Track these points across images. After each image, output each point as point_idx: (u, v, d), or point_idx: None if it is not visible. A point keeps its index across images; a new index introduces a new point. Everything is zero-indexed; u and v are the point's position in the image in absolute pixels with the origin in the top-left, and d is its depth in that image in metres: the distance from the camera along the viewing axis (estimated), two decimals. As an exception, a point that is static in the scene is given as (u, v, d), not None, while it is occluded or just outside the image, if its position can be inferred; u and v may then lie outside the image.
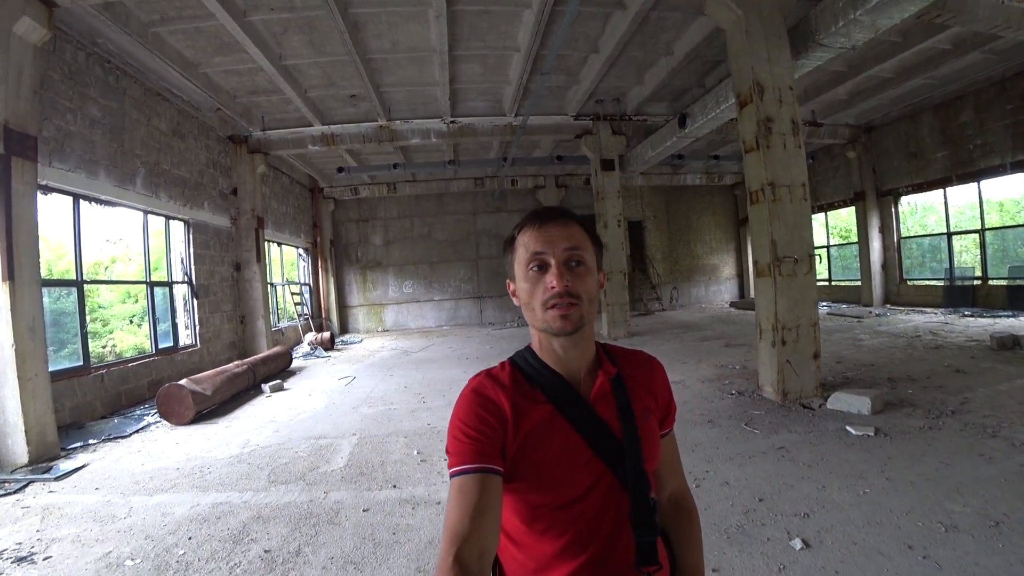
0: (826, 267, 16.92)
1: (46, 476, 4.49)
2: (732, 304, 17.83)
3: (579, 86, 9.88)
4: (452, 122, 10.69)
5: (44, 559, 3.09)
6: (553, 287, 1.01)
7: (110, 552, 3.11)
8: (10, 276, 4.89)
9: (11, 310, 4.86)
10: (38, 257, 5.28)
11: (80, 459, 4.96)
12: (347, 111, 10.26)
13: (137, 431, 5.87)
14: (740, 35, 5.40)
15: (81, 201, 6.70)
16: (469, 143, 12.70)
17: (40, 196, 6.18)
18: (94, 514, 3.67)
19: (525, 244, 1.07)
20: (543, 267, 1.04)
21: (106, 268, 16.09)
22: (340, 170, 12.72)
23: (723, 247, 19.85)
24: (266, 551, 3.00)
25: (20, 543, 3.31)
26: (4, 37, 5.00)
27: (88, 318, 13.62)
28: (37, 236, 5.29)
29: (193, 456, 4.87)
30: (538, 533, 1.03)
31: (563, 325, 1.02)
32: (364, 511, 3.41)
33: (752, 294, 18.81)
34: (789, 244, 5.32)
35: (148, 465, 4.71)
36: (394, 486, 3.77)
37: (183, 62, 7.74)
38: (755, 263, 5.71)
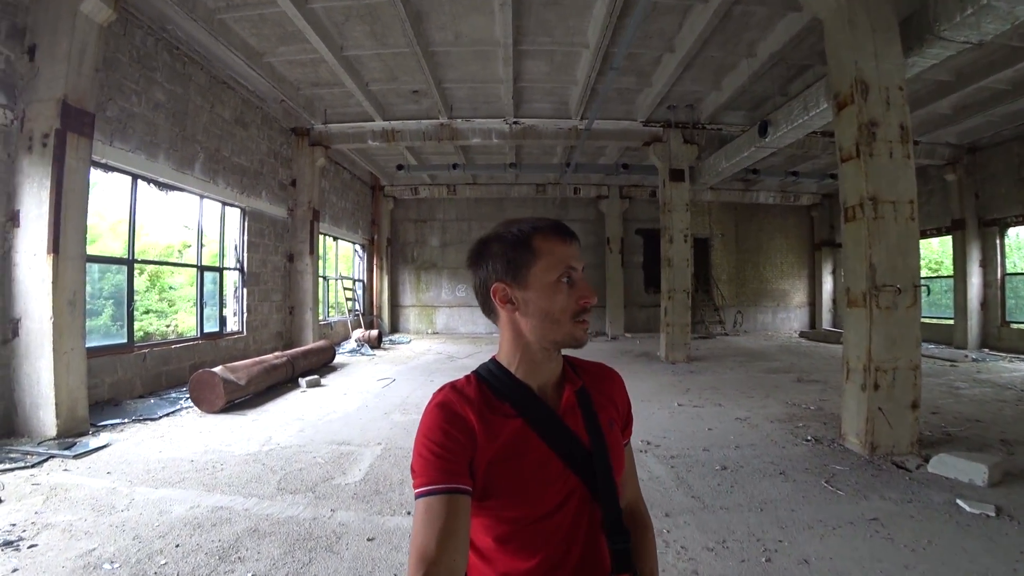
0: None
1: (65, 453, 4.39)
2: (802, 334, 16.52)
3: (650, 89, 9.29)
4: (515, 123, 10.32)
5: (29, 547, 2.88)
6: (587, 301, 1.03)
7: (94, 550, 2.84)
8: (55, 249, 4.86)
9: (53, 283, 4.83)
10: (85, 232, 5.27)
11: (104, 438, 4.86)
12: (408, 107, 10.10)
13: (167, 414, 5.77)
14: (842, 26, 4.69)
15: (139, 182, 6.74)
16: (532, 146, 12.32)
17: (100, 174, 6.32)
18: (95, 502, 3.46)
19: (556, 254, 1.04)
20: (571, 280, 1.04)
21: (179, 252, 16.83)
22: (400, 167, 12.62)
23: (795, 272, 18.49)
24: None
25: (14, 525, 3.13)
26: (70, 16, 5.02)
27: (157, 296, 14.38)
28: (86, 211, 5.27)
29: (211, 448, 4.64)
30: (512, 550, 1.01)
31: (584, 338, 1.05)
32: (368, 540, 3.00)
33: (824, 325, 17.43)
34: (891, 271, 4.53)
35: (165, 453, 4.52)
36: (408, 512, 3.34)
37: (248, 50, 7.74)
38: (847, 291, 4.93)
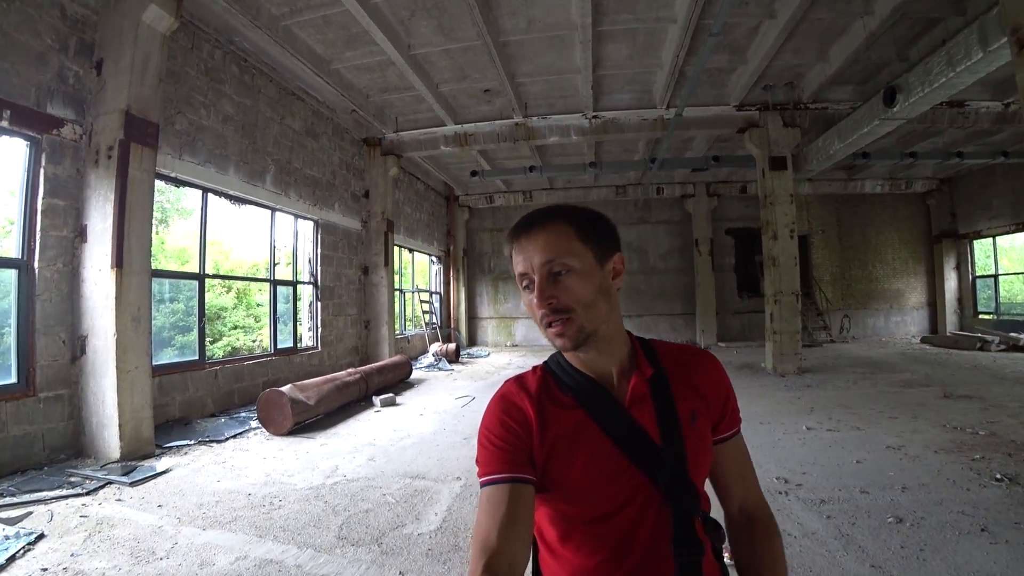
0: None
1: (123, 479, 4.06)
2: (924, 340, 14.42)
3: (745, 67, 8.23)
4: (594, 117, 9.54)
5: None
6: (540, 308, 0.96)
7: (122, 617, 2.34)
8: (119, 263, 4.63)
9: (116, 299, 4.59)
10: (150, 246, 5.04)
11: (166, 462, 4.54)
12: (481, 108, 9.59)
13: (234, 436, 5.43)
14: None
15: (209, 195, 6.58)
16: (612, 143, 11.47)
17: (172, 188, 6.18)
18: (136, 544, 3.02)
19: (514, 262, 1.01)
20: (530, 286, 0.98)
21: (266, 269, 17.40)
22: (474, 174, 12.15)
23: (910, 269, 16.30)
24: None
25: (45, 570, 2.72)
26: (133, 26, 4.86)
27: (244, 312, 14.79)
28: (151, 224, 5.05)
29: (272, 479, 4.17)
30: (572, 547, 0.98)
31: (562, 343, 0.97)
32: (442, 618, 2.32)
33: (949, 328, 15.20)
34: None
35: (224, 483, 4.09)
36: None
37: (314, 58, 7.49)
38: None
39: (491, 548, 0.86)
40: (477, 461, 0.98)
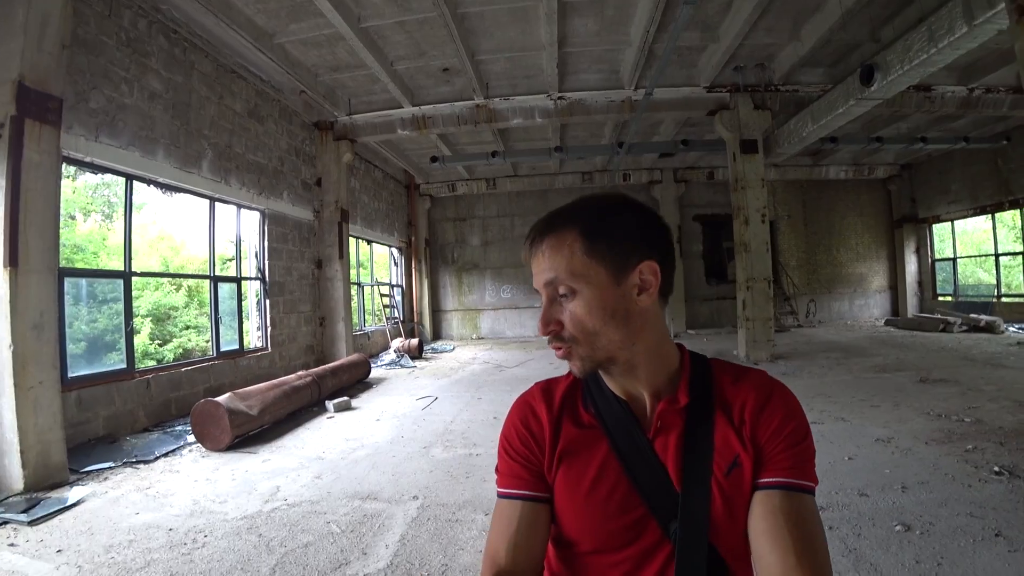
0: (1021, 279, 13.30)
1: (21, 518, 3.44)
2: (889, 322, 14.63)
3: (716, 46, 7.90)
4: (560, 98, 9.07)
5: None
6: (540, 331, 0.88)
7: None
8: (12, 261, 3.95)
9: (11, 303, 3.92)
10: (56, 240, 4.36)
11: (80, 491, 3.91)
12: (440, 89, 9.02)
13: (165, 455, 4.82)
14: None
15: (135, 182, 5.87)
16: (579, 126, 11.03)
17: (90, 175, 5.46)
18: (20, 610, 2.45)
19: (532, 270, 0.90)
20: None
21: (222, 267, 16.44)
22: (434, 160, 11.55)
23: (872, 254, 16.53)
24: None
25: None
26: (27, -20, 4.13)
27: (197, 311, 13.88)
28: (57, 215, 4.38)
29: (201, 507, 3.62)
30: (573, 571, 0.89)
31: (571, 367, 0.88)
32: None
33: (910, 310, 15.45)
34: None
35: (144, 515, 3.51)
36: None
37: (255, 30, 6.82)
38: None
39: (499, 565, 0.85)
40: (496, 469, 0.95)
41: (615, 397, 0.91)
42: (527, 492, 0.89)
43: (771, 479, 0.81)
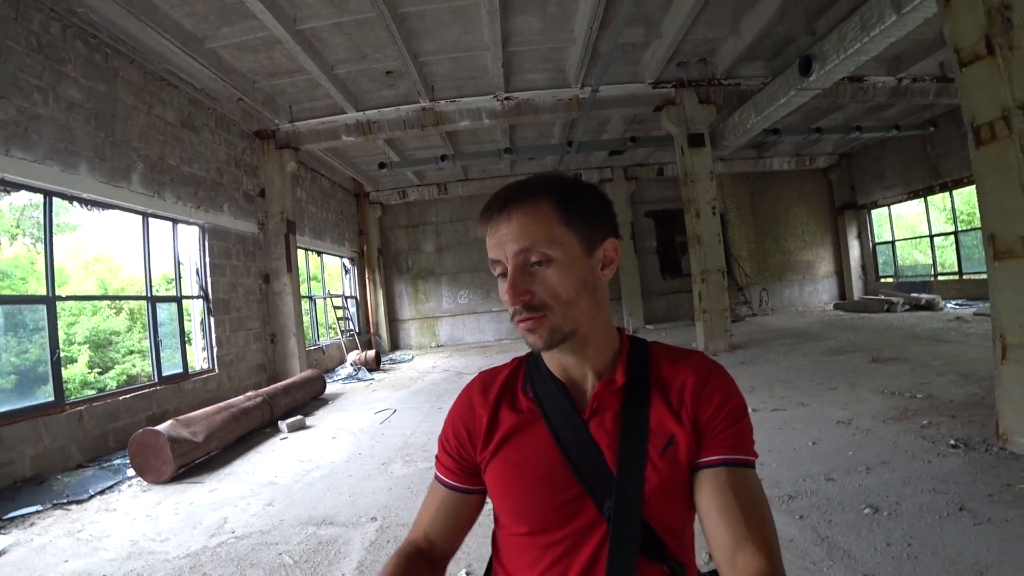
0: (954, 258, 13.99)
1: (-69, 581, 3.07)
2: (837, 306, 15.17)
3: (660, 41, 7.98)
4: (507, 99, 8.98)
5: None
6: (507, 302, 0.84)
7: None
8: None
9: (-90, 340, 3.52)
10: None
11: (2, 541, 3.54)
12: (384, 93, 8.80)
13: (101, 492, 4.45)
14: None
15: (54, 199, 5.44)
16: (527, 126, 10.98)
17: (19, 194, 5.03)
18: None
19: (487, 245, 0.88)
20: (504, 275, 0.85)
21: (165, 287, 15.66)
22: (382, 166, 11.25)
23: (818, 240, 17.15)
24: None
25: None
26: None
27: (140, 335, 13.09)
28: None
29: (139, 549, 3.32)
30: (513, 552, 0.91)
31: (533, 341, 0.85)
32: None
33: (856, 293, 16.09)
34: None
35: (74, 562, 3.20)
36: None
37: (184, 35, 6.46)
38: (991, 239, 3.59)
39: (418, 530, 0.97)
40: (436, 454, 1.02)
41: (553, 379, 0.92)
42: (455, 484, 0.96)
43: (716, 456, 0.83)
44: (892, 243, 15.83)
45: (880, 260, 16.38)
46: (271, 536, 3.35)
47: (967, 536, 2.58)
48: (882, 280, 16.11)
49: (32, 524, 3.87)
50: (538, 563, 0.87)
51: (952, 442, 3.80)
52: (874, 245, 16.41)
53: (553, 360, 0.93)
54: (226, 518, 3.70)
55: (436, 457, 1.00)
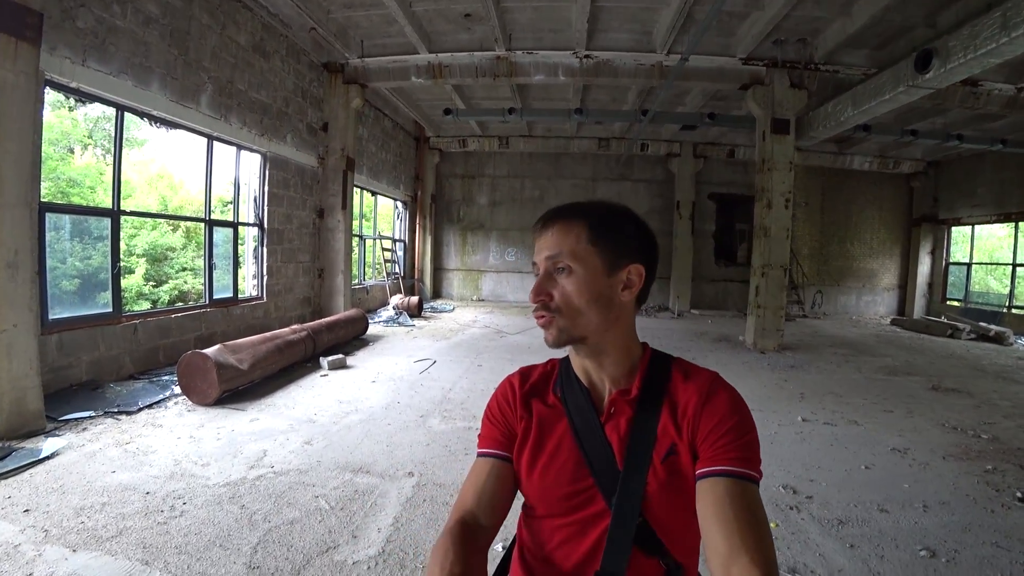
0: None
1: (-12, 471, 3.21)
2: (895, 322, 14.34)
3: (760, 15, 7.36)
4: (586, 56, 8.52)
5: None
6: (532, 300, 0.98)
7: None
8: (-17, 192, 3.62)
9: (-17, 238, 3.61)
10: (36, 172, 4.03)
11: (56, 443, 3.68)
12: (459, 37, 8.46)
13: (149, 406, 4.59)
14: None
15: (126, 114, 5.46)
16: (602, 88, 10.49)
17: (75, 103, 5.06)
18: (-25, 576, 2.24)
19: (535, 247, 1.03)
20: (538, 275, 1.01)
21: (221, 210, 16.05)
22: (447, 112, 10.99)
23: (886, 250, 16.12)
24: None
25: None
26: None
27: (194, 253, 13.50)
28: (38, 145, 4.04)
29: (182, 469, 3.40)
30: (531, 530, 1.03)
31: (545, 336, 0.99)
32: None
33: (916, 312, 15.18)
34: None
35: (120, 474, 3.29)
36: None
37: (266, -46, 6.27)
38: None
39: (466, 507, 0.99)
40: (479, 435, 1.11)
41: (580, 385, 1.04)
42: (499, 451, 1.04)
43: (717, 467, 0.87)
44: (968, 265, 14.75)
45: (949, 281, 15.33)
46: (308, 477, 3.37)
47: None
48: (948, 302, 15.11)
49: (84, 429, 4.02)
50: (549, 543, 0.99)
51: (1020, 495, 3.50)
52: (947, 264, 15.34)
53: (578, 364, 1.05)
54: (265, 451, 3.75)
55: (479, 436, 1.09)
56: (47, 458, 3.45)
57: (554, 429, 1.01)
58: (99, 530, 2.66)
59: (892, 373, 7.54)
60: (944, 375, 7.50)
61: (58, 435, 3.84)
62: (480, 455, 1.05)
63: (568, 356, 1.09)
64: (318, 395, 5.25)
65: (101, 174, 11.80)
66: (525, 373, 1.11)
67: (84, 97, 5.02)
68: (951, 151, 13.75)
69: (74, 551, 2.47)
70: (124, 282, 10.23)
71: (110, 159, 12.47)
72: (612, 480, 0.94)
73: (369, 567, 2.45)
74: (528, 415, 1.04)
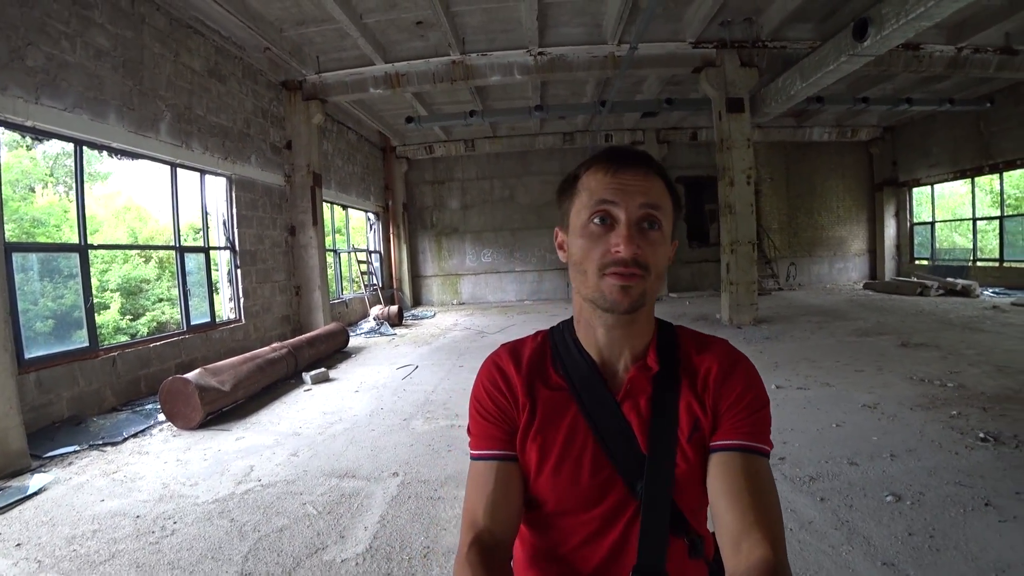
0: (996, 243, 13.44)
1: (-25, 513, 3.24)
2: (867, 286, 14.77)
3: (703, -1, 7.57)
4: (540, 53, 8.67)
5: None
6: (618, 250, 0.80)
7: None
8: (-50, 236, 3.64)
9: (-48, 281, 3.63)
10: (0, 212, 4.03)
11: (41, 479, 3.70)
12: (414, 44, 8.55)
13: (134, 435, 4.62)
14: None
15: (84, 148, 5.47)
16: (560, 83, 10.65)
17: (32, 141, 5.06)
18: (-28, 611, 2.29)
19: (590, 188, 0.85)
20: (608, 221, 0.83)
21: (193, 237, 15.90)
22: (409, 120, 11.07)
23: (853, 217, 16.60)
24: None
25: None
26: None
27: (168, 283, 13.38)
28: (-3, 184, 4.04)
29: (170, 491, 3.45)
30: (537, 532, 0.94)
31: (620, 299, 0.82)
32: None
33: (887, 274, 15.62)
34: None
35: (109, 502, 3.34)
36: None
37: (211, -21, 6.31)
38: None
39: (478, 525, 0.86)
40: (468, 430, 0.95)
41: (584, 358, 0.92)
42: (501, 452, 0.90)
43: (731, 441, 0.84)
44: (932, 224, 15.19)
45: (916, 241, 15.80)
46: (295, 486, 3.45)
47: (991, 532, 2.53)
48: (917, 262, 15.56)
49: (70, 463, 4.05)
50: (566, 542, 0.90)
51: (982, 435, 3.70)
52: (912, 225, 15.81)
53: (596, 336, 0.91)
54: (252, 466, 3.82)
55: (472, 434, 0.93)
56: (35, 494, 3.49)
57: (563, 415, 0.89)
58: (91, 555, 2.72)
59: (864, 335, 7.81)
60: (913, 331, 7.80)
61: (44, 471, 3.86)
62: (478, 458, 0.91)
63: (560, 327, 0.98)
64: (302, 409, 5.31)
65: (65, 212, 11.68)
66: (514, 350, 0.96)
67: (40, 135, 5.02)
68: (904, 115, 14.18)
69: (67, 577, 2.53)
70: (100, 318, 10.14)
71: (73, 195, 12.35)
72: (635, 464, 0.86)
73: (357, 563, 2.55)
74: (531, 401, 0.90)
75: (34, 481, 3.67)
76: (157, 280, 13.12)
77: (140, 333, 11.44)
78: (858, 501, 2.93)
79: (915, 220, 15.82)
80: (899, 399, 4.64)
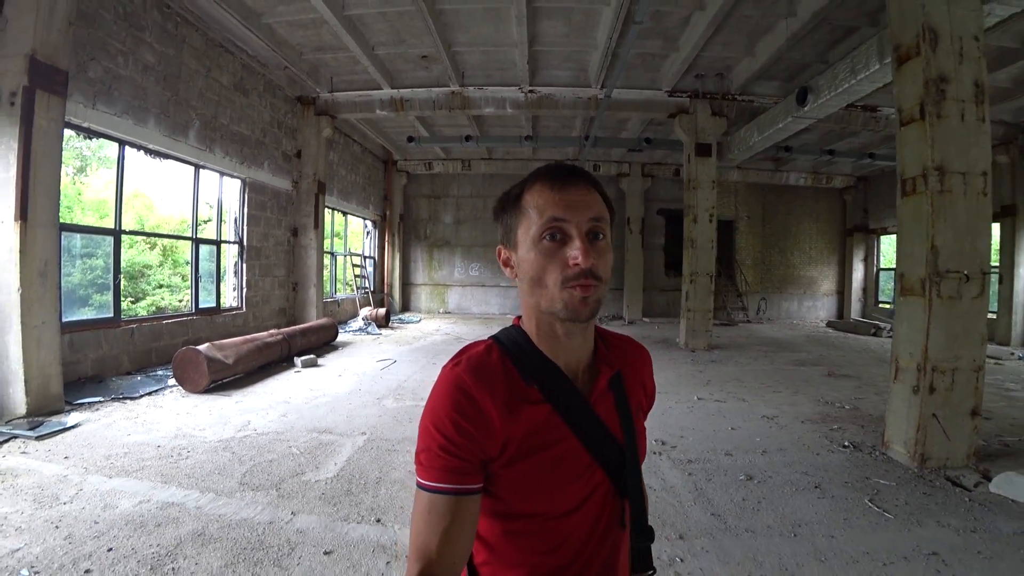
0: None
1: (28, 433, 4.08)
2: (830, 324, 15.72)
3: (677, 55, 8.59)
4: (530, 91, 9.71)
5: (-50, 547, 2.54)
6: (577, 263, 0.83)
7: (17, 551, 2.50)
8: (23, 216, 4.52)
9: (20, 252, 4.49)
10: (58, 198, 4.92)
11: (76, 417, 4.56)
12: (418, 74, 9.57)
13: (149, 393, 5.47)
14: (906, -37, 4.03)
15: (127, 148, 6.38)
16: (549, 117, 11.68)
17: (83, 139, 5.97)
18: (40, 491, 3.13)
19: (538, 206, 0.87)
20: (559, 237, 0.85)
21: (200, 228, 16.73)
22: (410, 139, 12.10)
23: (824, 259, 17.57)
24: (179, 592, 2.26)
25: (-54, 516, 2.80)
26: (36, -42, 4.61)
27: (170, 271, 14.19)
28: (59, 176, 4.92)
29: (183, 433, 4.31)
30: (522, 542, 0.90)
31: (581, 308, 0.84)
32: (325, 554, 2.59)
33: (853, 315, 16.59)
34: (957, 255, 3.87)
35: (134, 436, 4.19)
36: (378, 520, 2.93)
37: (244, 10, 7.27)
38: (900, 277, 4.30)
39: (429, 557, 0.80)
40: (418, 458, 0.85)
41: (551, 365, 0.91)
42: (464, 486, 0.83)
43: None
44: (894, 270, 16.14)
45: (880, 285, 16.82)
46: (284, 436, 4.31)
47: (807, 503, 3.36)
48: (880, 305, 16.55)
49: (97, 409, 4.90)
50: (560, 542, 0.89)
51: (845, 443, 4.54)
52: (878, 270, 16.83)
53: (558, 344, 0.91)
54: (249, 420, 4.68)
55: (425, 465, 0.83)
56: (72, 427, 4.33)
57: (548, 427, 0.88)
58: (125, 467, 3.56)
59: (801, 364, 8.70)
60: (845, 364, 8.69)
61: (77, 412, 4.71)
62: (437, 492, 0.82)
63: (508, 340, 0.93)
64: (292, 385, 6.17)
65: (79, 194, 12.50)
66: (477, 371, 0.87)
67: (92, 135, 5.94)
68: (874, 167, 15.23)
69: (110, 477, 3.38)
70: (102, 297, 10.96)
71: (81, 179, 13.08)
72: (617, 462, 0.91)
73: (327, 483, 3.41)
74: (513, 424, 0.85)
75: (71, 418, 4.52)
76: (159, 267, 13.84)
77: (137, 314, 12.22)
78: (717, 478, 3.78)
79: (881, 266, 16.83)
80: (797, 415, 5.49)
